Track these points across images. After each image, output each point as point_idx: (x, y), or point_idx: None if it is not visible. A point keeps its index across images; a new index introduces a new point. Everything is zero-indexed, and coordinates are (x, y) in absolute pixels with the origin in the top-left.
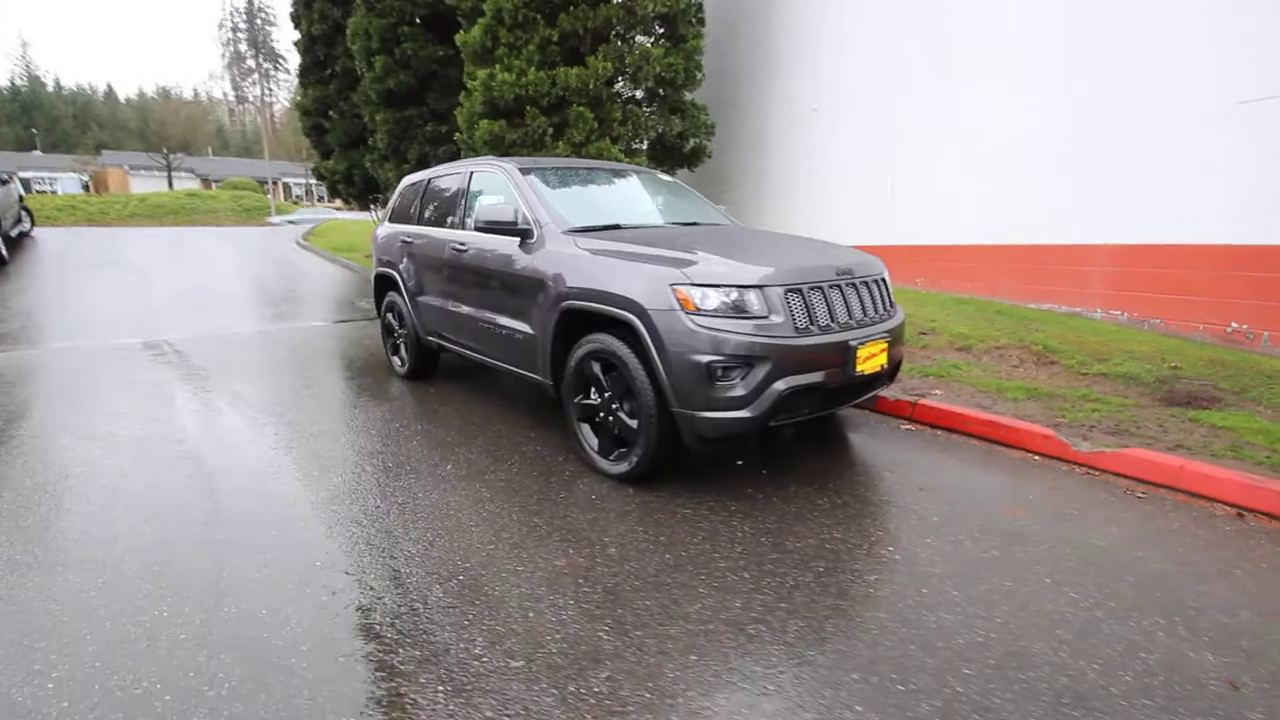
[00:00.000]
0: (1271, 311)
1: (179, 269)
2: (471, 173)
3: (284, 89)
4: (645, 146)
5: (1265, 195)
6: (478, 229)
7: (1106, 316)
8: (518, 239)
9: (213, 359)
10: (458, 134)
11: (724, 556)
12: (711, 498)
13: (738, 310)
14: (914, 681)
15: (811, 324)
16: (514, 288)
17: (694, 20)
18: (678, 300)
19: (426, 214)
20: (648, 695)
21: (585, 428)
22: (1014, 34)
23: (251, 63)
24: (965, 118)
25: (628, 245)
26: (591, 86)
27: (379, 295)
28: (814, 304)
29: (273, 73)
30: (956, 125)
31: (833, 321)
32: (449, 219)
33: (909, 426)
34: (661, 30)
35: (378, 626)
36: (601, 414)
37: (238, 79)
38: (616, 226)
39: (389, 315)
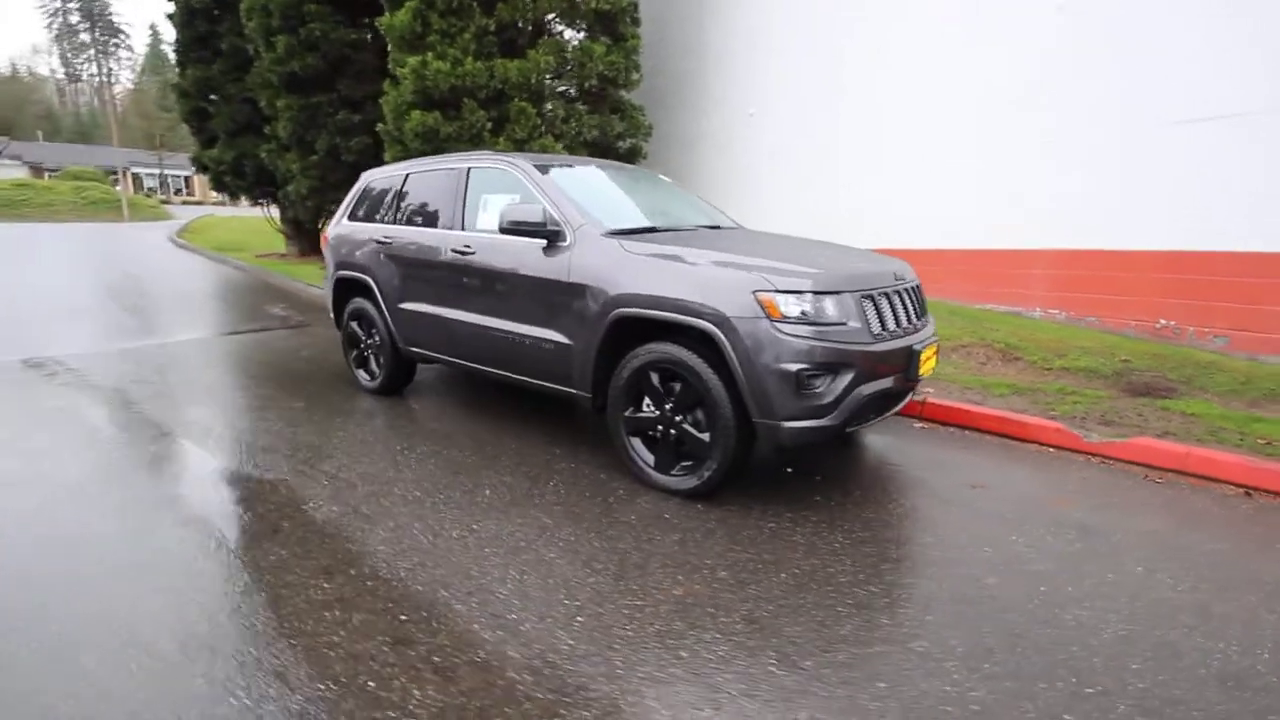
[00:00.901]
0: (1194, 309)
1: (31, 272)
2: (469, 169)
3: (126, 68)
4: (586, 146)
5: (1188, 208)
6: (503, 230)
7: (1045, 315)
8: (544, 241)
9: (128, 379)
10: (381, 125)
11: (839, 570)
12: (784, 509)
13: (820, 317)
14: (1098, 683)
15: (883, 329)
16: (542, 294)
17: (631, 19)
18: (762, 307)
19: (408, 213)
20: None
21: (636, 442)
22: (955, 44)
23: (86, 36)
24: (907, 125)
25: (687, 249)
26: (534, 80)
27: (339, 302)
28: (882, 309)
29: (113, 49)
30: (898, 132)
31: (897, 326)
32: (442, 219)
33: (921, 425)
34: (600, 28)
35: (523, 688)
36: (660, 427)
37: (68, 54)
38: (653, 229)
39: (354, 324)
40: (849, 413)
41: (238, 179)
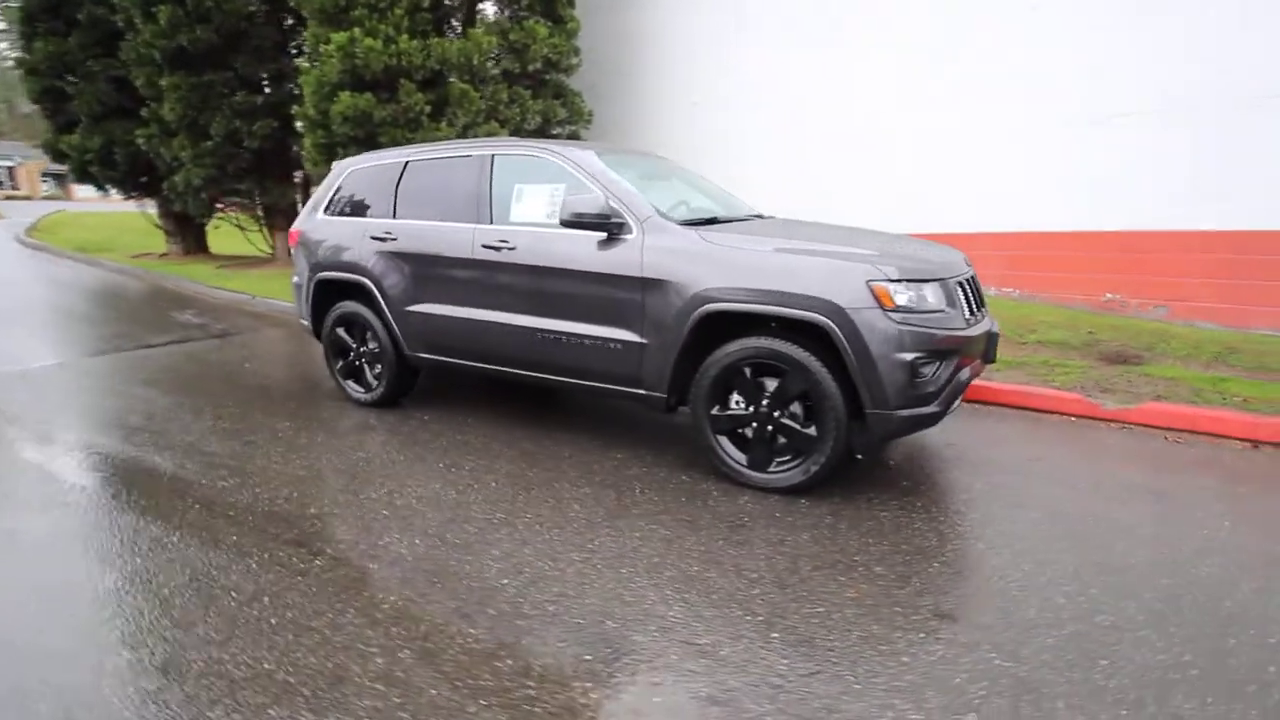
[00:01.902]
0: (1135, 283)
1: None
2: (493, 156)
3: None
4: (528, 133)
5: (1128, 192)
6: (564, 224)
7: (1001, 293)
8: (602, 234)
9: (44, 406)
10: (298, 107)
11: (984, 551)
12: (885, 498)
13: (923, 305)
14: (1273, 633)
15: (970, 315)
16: (606, 291)
17: (568, 1)
18: (875, 297)
19: (413, 206)
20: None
21: (724, 440)
22: (901, 35)
23: None
24: (856, 113)
25: (773, 240)
26: (476, 62)
27: (319, 307)
28: (964, 296)
29: None
30: (850, 121)
31: (972, 312)
32: (461, 211)
33: None
34: (540, 8)
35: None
36: (755, 424)
37: None
38: (715, 219)
39: (340, 331)
40: (951, 398)
41: (106, 169)
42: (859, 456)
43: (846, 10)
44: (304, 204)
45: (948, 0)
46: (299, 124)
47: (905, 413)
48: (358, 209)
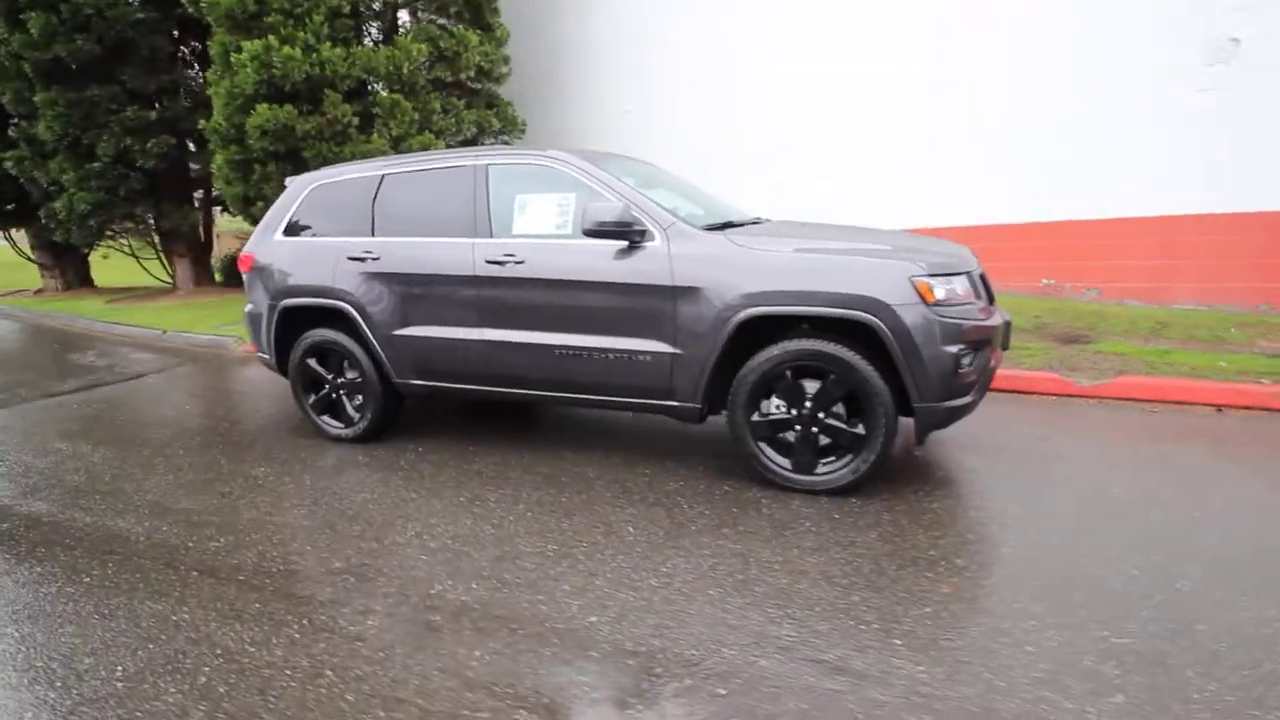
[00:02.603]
0: (1068, 269)
1: None
2: (488, 166)
3: None
4: (463, 144)
5: (1056, 184)
6: (586, 233)
7: None
8: (622, 243)
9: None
10: (206, 121)
11: (1047, 532)
12: (931, 489)
13: (957, 299)
14: None
15: (990, 306)
16: (633, 301)
17: (495, 9)
18: (919, 293)
19: (395, 222)
20: None
21: (765, 446)
22: (839, 53)
23: None
24: (783, 119)
25: (806, 241)
26: (406, 70)
27: (283, 338)
28: (985, 289)
29: None
30: (774, 125)
31: (991, 304)
32: (454, 226)
33: None
34: (469, 15)
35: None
36: (799, 427)
37: None
38: (729, 224)
39: (312, 363)
40: (984, 388)
41: None
42: (919, 449)
43: (779, 13)
44: (207, 227)
45: (871, 19)
46: (209, 140)
47: (950, 404)
48: (325, 228)
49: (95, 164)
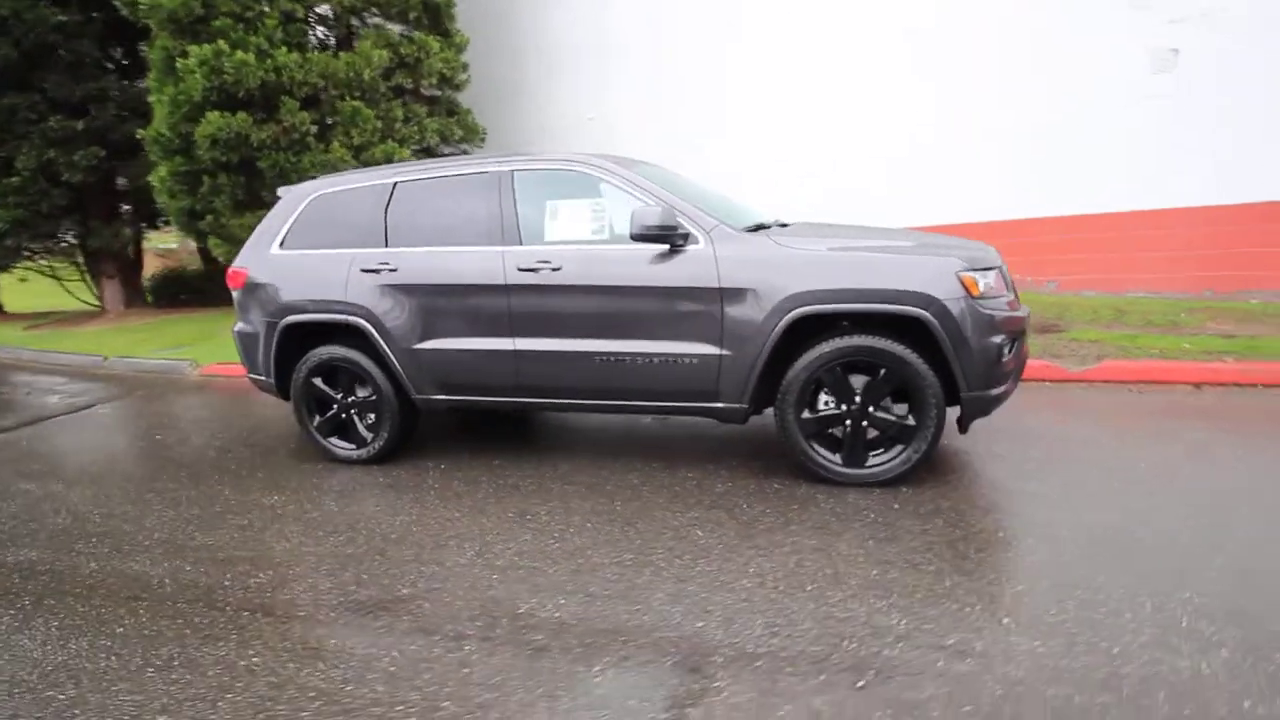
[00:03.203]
0: (1029, 264)
1: None
2: (513, 172)
3: None
4: (424, 153)
5: (1017, 186)
6: (634, 238)
7: None
8: (663, 246)
9: None
10: (146, 130)
11: (1105, 511)
12: (968, 475)
13: (995, 292)
14: None
15: (1015, 299)
16: (678, 304)
17: (452, 14)
18: (964, 287)
19: (413, 231)
20: None
21: (814, 444)
22: (796, 46)
23: None
24: (732, 129)
25: (845, 240)
26: (367, 77)
27: (285, 357)
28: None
29: None
30: (724, 133)
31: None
32: (479, 234)
33: None
34: (428, 21)
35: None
36: (849, 421)
37: None
38: (761, 225)
39: (317, 382)
40: (1019, 376)
41: None
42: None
43: (742, 17)
44: (136, 245)
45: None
46: (149, 150)
47: (993, 392)
48: (331, 239)
49: (14, 178)
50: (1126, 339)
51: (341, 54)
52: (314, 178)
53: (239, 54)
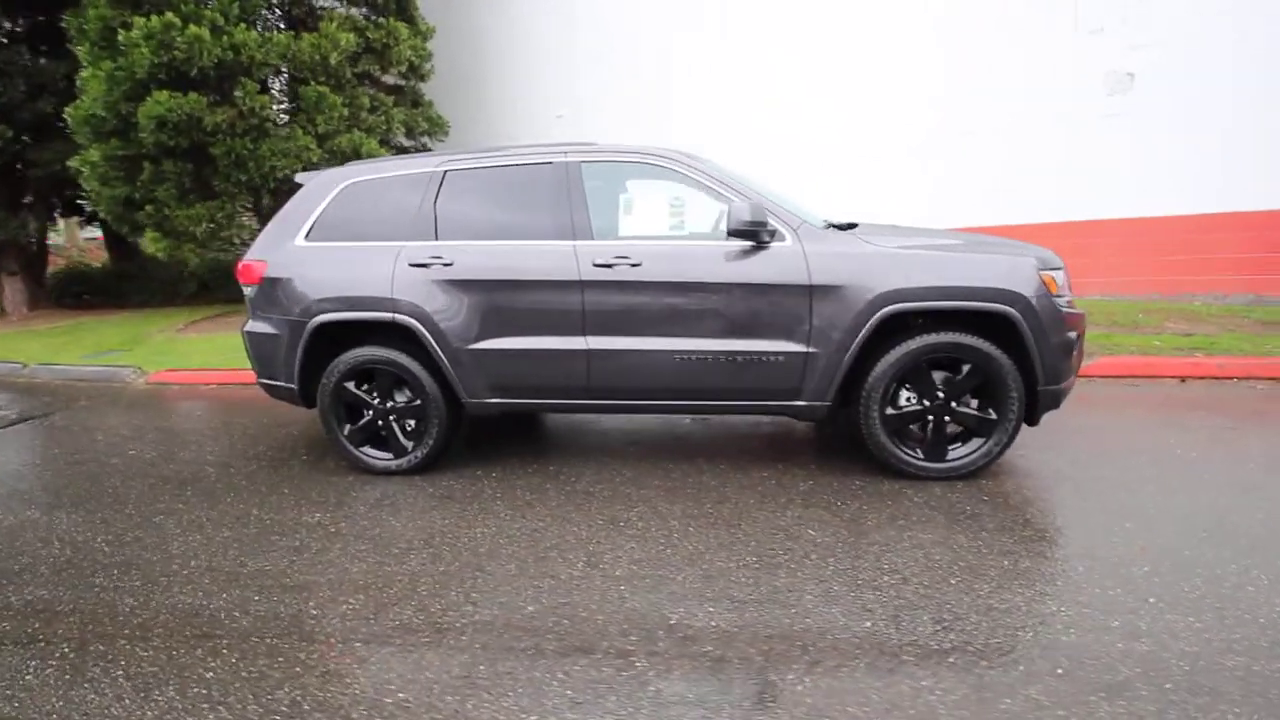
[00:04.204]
0: None
1: None
2: (581, 164)
3: None
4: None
5: (987, 194)
6: (732, 234)
7: None
8: (747, 243)
9: None
10: (73, 108)
11: (1169, 494)
12: (1033, 468)
13: (1064, 290)
14: None
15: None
16: (768, 301)
17: (415, 2)
18: (1045, 285)
19: (468, 224)
20: None
21: (892, 440)
22: (775, 55)
23: None
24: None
25: (920, 239)
26: (334, 61)
27: (309, 358)
28: None
29: None
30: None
31: None
32: (542, 227)
33: None
34: (395, 8)
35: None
36: (932, 416)
37: None
38: (834, 224)
39: (349, 386)
40: (1078, 371)
41: None
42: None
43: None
44: (41, 239)
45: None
46: (76, 132)
47: (1064, 385)
48: (368, 231)
49: None
50: (1104, 337)
51: (306, 35)
52: (313, 168)
53: (192, 28)
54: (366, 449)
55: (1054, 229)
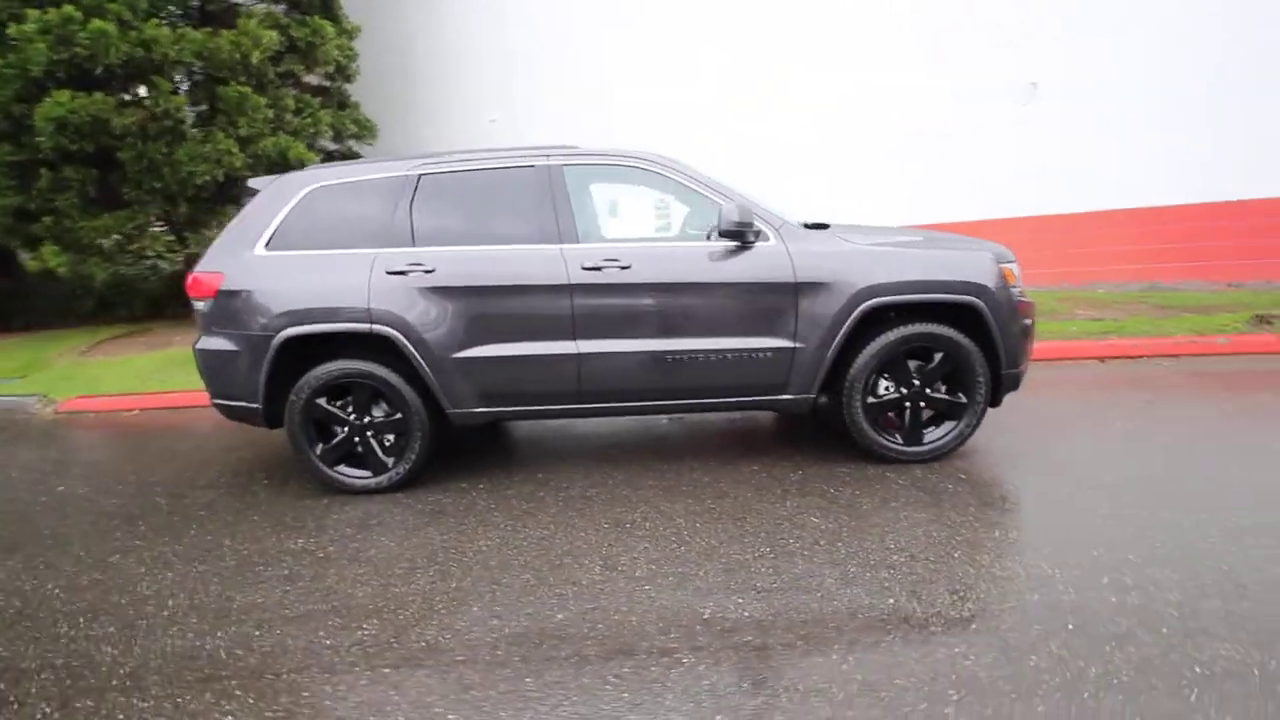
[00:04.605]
0: None
1: None
2: (563, 167)
3: None
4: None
5: (914, 195)
6: (723, 234)
7: None
8: (732, 243)
9: None
10: None
11: (1152, 461)
12: (1011, 449)
13: (1018, 281)
14: None
15: None
16: (755, 299)
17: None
18: (1003, 278)
19: (446, 229)
20: None
21: (873, 428)
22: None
23: None
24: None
25: (892, 237)
26: (256, 60)
27: (273, 376)
28: None
29: None
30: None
31: None
32: (530, 231)
33: None
34: (319, 5)
35: None
36: (909, 403)
37: None
38: (809, 224)
39: (322, 403)
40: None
41: None
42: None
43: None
44: None
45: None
46: None
47: (1021, 369)
48: (337, 239)
49: None
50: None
51: (224, 32)
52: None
53: (96, 22)
54: (342, 468)
55: (980, 226)
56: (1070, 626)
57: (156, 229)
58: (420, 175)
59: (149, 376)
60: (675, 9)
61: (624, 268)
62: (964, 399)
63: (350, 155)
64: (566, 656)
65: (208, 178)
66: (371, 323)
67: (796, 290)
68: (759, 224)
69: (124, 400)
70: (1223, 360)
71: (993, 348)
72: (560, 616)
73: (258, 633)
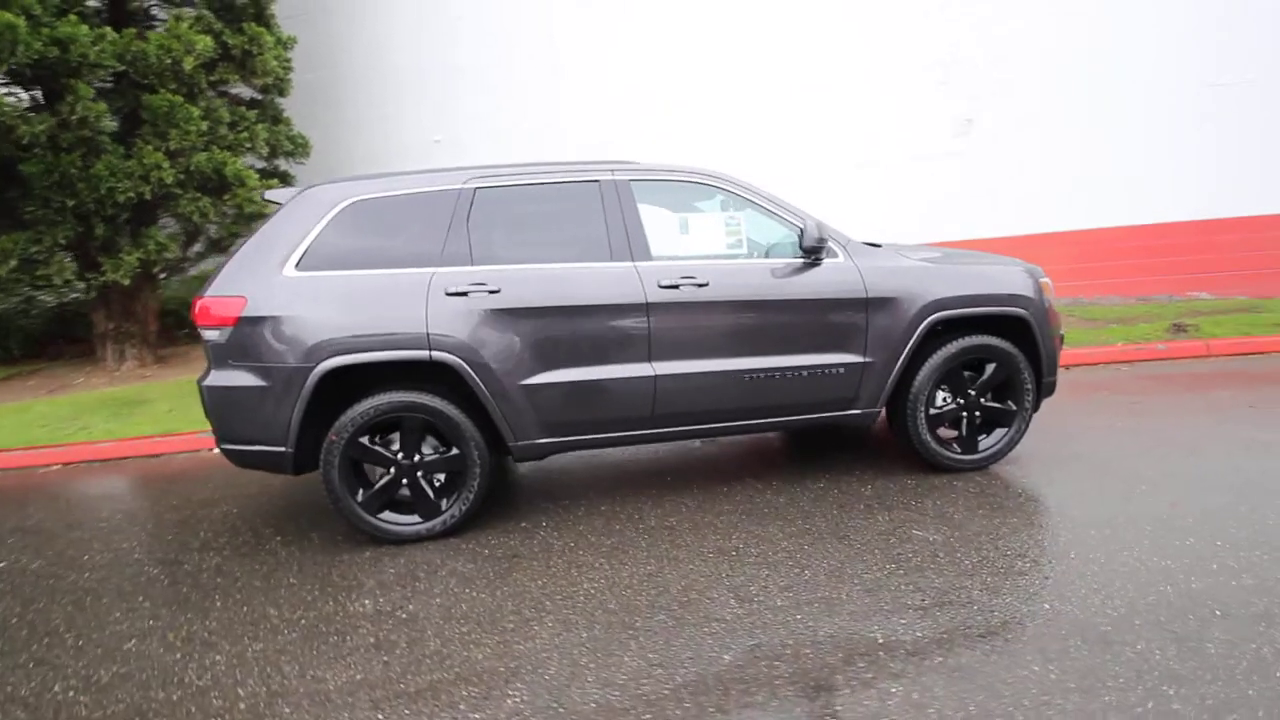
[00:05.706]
0: None
1: None
2: (630, 182)
3: None
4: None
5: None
6: (806, 250)
7: None
8: (799, 260)
9: None
10: None
11: (1179, 457)
12: (1056, 452)
13: (1051, 294)
14: None
15: None
16: (829, 315)
17: (271, 9)
18: (1043, 291)
19: (508, 245)
20: None
21: (934, 439)
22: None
23: None
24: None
25: (937, 254)
26: (188, 67)
27: (308, 414)
28: None
29: None
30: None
31: None
32: (595, 249)
33: None
34: (252, 11)
35: None
36: (964, 413)
37: None
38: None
39: (365, 442)
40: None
41: None
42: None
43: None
44: None
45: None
46: None
47: (1056, 375)
48: (382, 257)
49: None
50: None
51: (152, 35)
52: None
53: (6, 15)
54: (387, 515)
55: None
56: (1217, 613)
57: (62, 254)
58: (476, 189)
59: (62, 425)
60: (629, 33)
61: (700, 285)
62: (1014, 406)
63: (282, 174)
64: (761, 700)
65: (131, 194)
66: (431, 349)
67: (867, 305)
68: (830, 241)
69: (39, 454)
70: (1165, 364)
71: (1037, 357)
72: (728, 658)
73: (380, 716)
